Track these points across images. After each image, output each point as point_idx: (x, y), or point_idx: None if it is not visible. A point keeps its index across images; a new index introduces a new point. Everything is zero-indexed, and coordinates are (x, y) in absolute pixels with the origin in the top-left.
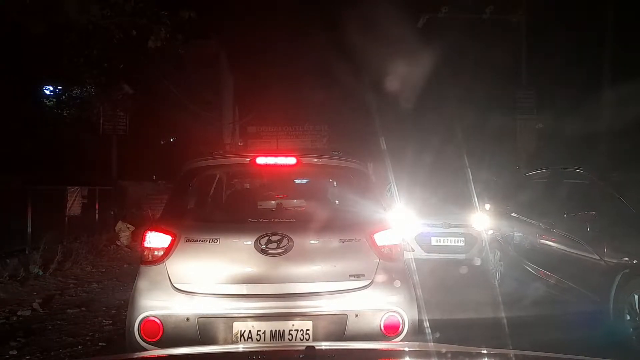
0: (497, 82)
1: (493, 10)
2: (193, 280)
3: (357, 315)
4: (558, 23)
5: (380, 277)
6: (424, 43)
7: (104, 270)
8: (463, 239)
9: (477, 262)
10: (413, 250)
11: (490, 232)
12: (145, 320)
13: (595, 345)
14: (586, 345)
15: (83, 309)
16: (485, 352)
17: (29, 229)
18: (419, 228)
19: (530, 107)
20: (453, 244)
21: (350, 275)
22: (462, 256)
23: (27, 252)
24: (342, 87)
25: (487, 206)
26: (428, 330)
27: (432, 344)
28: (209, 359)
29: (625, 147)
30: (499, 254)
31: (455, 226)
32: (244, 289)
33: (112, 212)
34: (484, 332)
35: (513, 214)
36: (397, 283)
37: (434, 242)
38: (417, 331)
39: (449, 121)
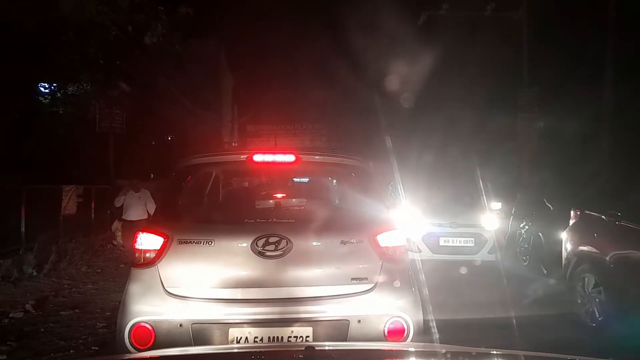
0: (498, 81)
1: (494, 8)
2: (186, 284)
3: (359, 321)
4: (560, 21)
5: (384, 281)
6: (424, 41)
7: (99, 270)
8: (472, 239)
9: (488, 263)
10: (420, 251)
11: (574, 246)
12: (137, 326)
13: (595, 345)
14: (586, 345)
15: (77, 310)
16: (485, 352)
17: (23, 229)
18: (426, 228)
19: (532, 105)
20: (462, 244)
21: (352, 279)
22: (471, 257)
23: (20, 252)
24: (341, 85)
25: (498, 205)
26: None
27: (432, 344)
28: None
29: (627, 146)
30: (593, 280)
31: (464, 226)
32: (240, 294)
33: (108, 211)
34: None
35: (627, 223)
36: (402, 286)
37: (442, 243)
38: (422, 336)
39: (450, 120)
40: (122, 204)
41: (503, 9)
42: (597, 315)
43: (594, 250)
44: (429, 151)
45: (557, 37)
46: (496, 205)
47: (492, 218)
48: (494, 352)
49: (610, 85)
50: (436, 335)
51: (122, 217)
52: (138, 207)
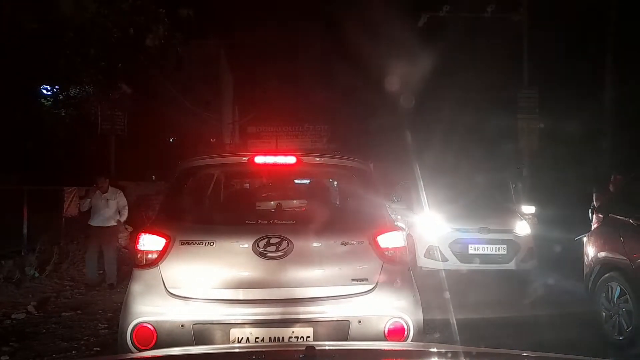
0: (498, 82)
1: (494, 9)
2: (188, 284)
3: (360, 322)
4: (559, 22)
5: (384, 281)
6: (424, 42)
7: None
8: (505, 246)
9: (522, 272)
10: (446, 260)
11: (597, 253)
12: (139, 327)
13: (594, 345)
14: (585, 345)
15: (79, 312)
16: (485, 352)
17: (25, 230)
18: (453, 234)
19: (532, 106)
20: (493, 252)
21: (352, 280)
22: (503, 266)
23: (23, 253)
24: (343, 87)
25: (531, 209)
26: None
27: (432, 343)
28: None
29: (626, 146)
30: (619, 289)
31: (495, 231)
32: (241, 294)
33: None
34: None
35: None
36: (402, 287)
37: (471, 251)
38: (422, 336)
39: (451, 121)
40: (90, 208)
41: (503, 10)
42: (625, 327)
43: (620, 257)
44: (443, 151)
45: (556, 37)
46: (529, 209)
47: (524, 222)
48: (494, 352)
49: (610, 85)
50: None
51: (88, 222)
52: (106, 210)
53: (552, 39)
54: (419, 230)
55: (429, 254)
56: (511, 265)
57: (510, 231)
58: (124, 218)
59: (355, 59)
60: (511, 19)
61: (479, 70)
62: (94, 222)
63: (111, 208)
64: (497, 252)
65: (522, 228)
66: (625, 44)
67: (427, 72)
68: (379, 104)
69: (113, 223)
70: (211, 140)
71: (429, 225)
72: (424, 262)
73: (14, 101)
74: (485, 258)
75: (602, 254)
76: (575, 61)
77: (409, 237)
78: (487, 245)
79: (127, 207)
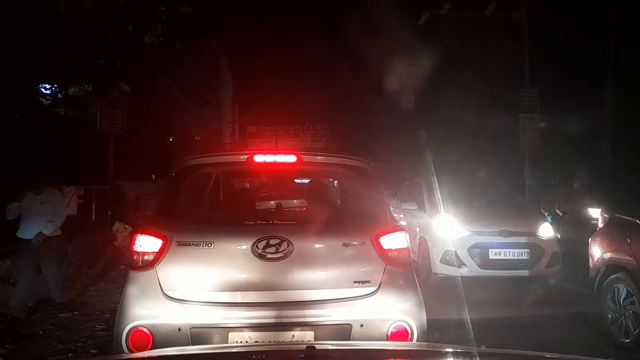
0: (499, 81)
1: (495, 7)
2: (185, 287)
3: (362, 325)
4: (561, 20)
5: (387, 284)
6: (425, 40)
7: (99, 272)
8: (527, 250)
9: (546, 279)
10: (464, 266)
11: (603, 254)
12: (134, 331)
13: (595, 345)
14: (586, 346)
15: (76, 312)
16: (487, 352)
17: None
18: (472, 238)
19: (533, 105)
20: (515, 257)
21: (354, 282)
22: (525, 272)
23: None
24: (343, 86)
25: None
26: None
27: (432, 343)
28: None
29: (628, 145)
30: (626, 290)
31: (518, 234)
32: (240, 297)
33: (109, 213)
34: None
35: None
36: (405, 289)
37: (492, 256)
38: (426, 340)
39: (451, 119)
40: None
41: (504, 9)
42: (632, 330)
43: (627, 257)
44: (449, 149)
45: (558, 36)
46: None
47: (547, 224)
48: (496, 352)
49: (611, 84)
50: None
51: (17, 233)
52: (40, 217)
53: (554, 37)
54: (434, 233)
55: (445, 259)
56: (534, 272)
57: (533, 234)
58: (50, 229)
59: (356, 57)
60: (513, 17)
61: (478, 69)
62: (25, 233)
63: (47, 214)
64: (520, 257)
65: (546, 230)
66: (628, 42)
67: (427, 70)
68: (380, 103)
69: (52, 233)
70: (195, 138)
71: (445, 227)
72: (440, 268)
73: (12, 100)
74: (506, 264)
75: (608, 255)
76: (577, 59)
77: (422, 240)
78: (509, 250)
79: (61, 214)
